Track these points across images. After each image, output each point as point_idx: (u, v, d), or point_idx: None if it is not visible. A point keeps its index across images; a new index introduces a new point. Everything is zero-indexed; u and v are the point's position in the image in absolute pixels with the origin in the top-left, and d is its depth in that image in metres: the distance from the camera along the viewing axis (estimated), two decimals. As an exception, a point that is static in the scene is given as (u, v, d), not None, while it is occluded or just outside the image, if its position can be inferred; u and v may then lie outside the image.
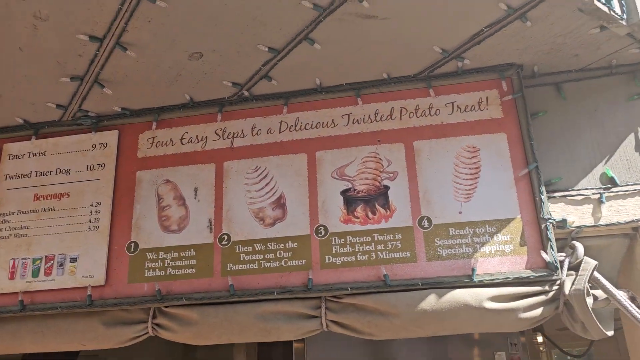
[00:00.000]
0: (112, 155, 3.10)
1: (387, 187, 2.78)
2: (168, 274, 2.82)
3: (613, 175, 2.69)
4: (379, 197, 2.77)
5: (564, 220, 2.59)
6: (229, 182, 2.93)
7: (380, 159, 2.83)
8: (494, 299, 2.46)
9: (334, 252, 2.71)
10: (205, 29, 2.48)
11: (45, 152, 3.18)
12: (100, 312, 2.83)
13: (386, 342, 3.90)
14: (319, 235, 2.75)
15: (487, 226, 2.63)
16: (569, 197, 2.69)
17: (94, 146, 3.14)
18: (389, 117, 2.91)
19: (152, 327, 2.78)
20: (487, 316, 2.46)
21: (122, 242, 2.93)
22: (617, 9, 2.43)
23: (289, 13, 2.39)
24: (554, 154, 2.79)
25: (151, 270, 2.84)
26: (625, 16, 2.46)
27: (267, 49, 2.61)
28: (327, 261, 2.70)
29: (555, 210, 2.64)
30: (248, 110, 3.06)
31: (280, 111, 3.02)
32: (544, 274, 2.48)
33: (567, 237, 2.63)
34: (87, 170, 3.09)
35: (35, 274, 2.92)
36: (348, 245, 2.71)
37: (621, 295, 2.41)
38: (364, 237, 2.71)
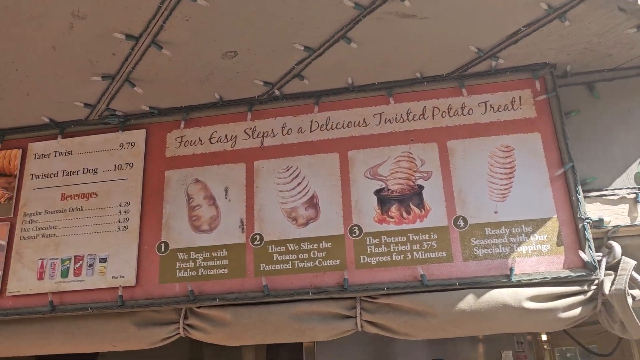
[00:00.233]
0: (140, 154, 3.08)
1: (421, 187, 2.77)
2: (200, 274, 2.80)
3: (648, 174, 2.70)
4: (413, 197, 2.75)
5: (601, 220, 2.59)
6: (260, 182, 2.92)
7: (413, 158, 2.82)
8: (533, 298, 2.45)
9: (368, 252, 2.70)
10: (243, 28, 2.46)
11: (71, 151, 3.15)
12: (131, 313, 2.81)
13: (394, 340, 3.89)
14: (353, 235, 2.74)
15: (523, 226, 2.62)
16: (604, 197, 2.69)
17: (121, 145, 3.11)
18: (422, 116, 2.89)
19: (184, 327, 2.76)
20: (526, 316, 2.45)
21: (152, 242, 2.91)
22: (657, 9, 2.42)
23: (329, 12, 2.38)
24: (588, 154, 2.79)
25: (182, 270, 2.82)
26: (663, 15, 2.46)
27: (302, 48, 2.60)
28: (362, 261, 2.69)
29: (591, 210, 2.64)
30: (278, 109, 3.04)
31: (311, 110, 3.00)
32: (583, 273, 2.48)
33: (603, 237, 2.62)
34: (115, 169, 3.06)
35: (64, 274, 2.90)
36: (383, 245, 2.70)
37: (660, 295, 2.41)
38: (399, 237, 2.70)
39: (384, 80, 2.94)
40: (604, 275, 2.47)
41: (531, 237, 2.60)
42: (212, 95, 3.02)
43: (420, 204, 2.74)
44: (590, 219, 2.57)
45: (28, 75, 2.70)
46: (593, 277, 2.47)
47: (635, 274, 2.45)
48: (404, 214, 2.73)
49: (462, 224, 2.67)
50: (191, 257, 2.84)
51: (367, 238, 2.72)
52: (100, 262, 2.89)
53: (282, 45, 2.59)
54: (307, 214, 2.82)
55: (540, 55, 2.78)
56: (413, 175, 2.79)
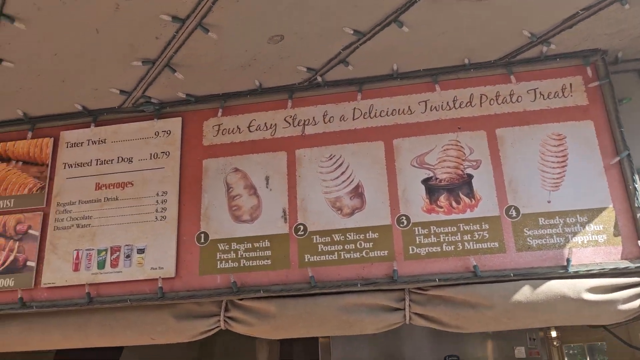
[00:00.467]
0: (177, 143, 2.99)
1: (470, 176, 2.69)
2: (242, 265, 2.72)
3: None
4: (462, 186, 2.68)
5: (659, 210, 2.52)
6: (302, 171, 2.84)
7: (461, 146, 2.75)
8: (593, 290, 2.38)
9: (417, 242, 2.62)
10: (292, 10, 2.37)
11: (105, 139, 3.07)
12: (171, 305, 2.73)
13: (408, 335, 3.85)
14: (401, 225, 2.66)
15: (578, 216, 2.55)
16: (661, 186, 2.61)
17: (156, 134, 3.03)
18: (469, 103, 2.82)
19: (225, 320, 2.68)
20: (585, 308, 2.38)
21: (191, 232, 2.83)
22: None
23: (385, -7, 2.30)
24: (640, 142, 2.72)
25: (223, 261, 2.74)
26: None
27: (352, 32, 2.51)
28: (410, 252, 2.61)
29: (648, 200, 2.57)
30: (319, 97, 2.96)
31: (353, 97, 2.92)
32: (643, 264, 2.41)
33: (659, 226, 2.55)
34: (150, 158, 2.98)
35: (101, 265, 2.82)
36: (432, 236, 2.62)
37: None
38: (449, 227, 2.62)
39: (429, 67, 2.86)
40: (664, 266, 2.41)
41: (586, 227, 2.52)
42: (251, 82, 2.93)
43: (470, 193, 2.66)
44: (649, 209, 2.50)
45: (67, 60, 2.61)
46: (653, 268, 2.40)
47: (695, 265, 2.38)
48: (454, 204, 2.66)
49: (514, 213, 2.60)
50: (232, 247, 2.76)
51: (416, 228, 2.65)
52: (138, 252, 2.81)
53: (331, 28, 2.50)
54: (352, 203, 2.74)
55: (592, 41, 2.70)
56: (462, 164, 2.72)
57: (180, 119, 3.04)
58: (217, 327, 2.70)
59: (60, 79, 2.77)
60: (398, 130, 2.83)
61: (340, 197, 2.76)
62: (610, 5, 2.41)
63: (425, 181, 2.71)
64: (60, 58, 2.59)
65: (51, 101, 3.00)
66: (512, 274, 2.48)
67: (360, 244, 2.66)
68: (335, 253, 2.67)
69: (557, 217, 2.56)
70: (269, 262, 2.71)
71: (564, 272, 2.45)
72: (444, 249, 2.59)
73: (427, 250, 2.60)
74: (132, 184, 2.94)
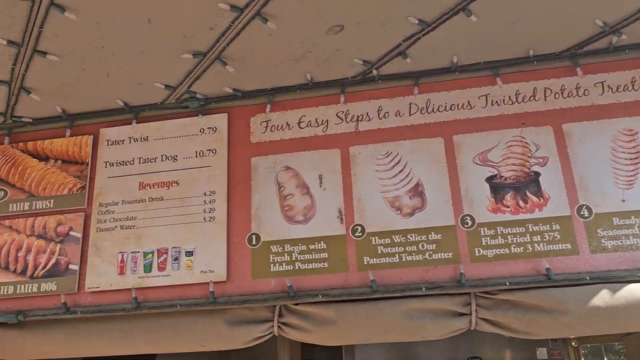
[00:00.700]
0: (223, 140, 2.86)
1: (537, 174, 2.56)
2: (297, 268, 2.59)
3: None
4: (529, 185, 2.55)
5: None
6: (357, 169, 2.70)
7: (527, 143, 2.61)
8: (676, 294, 2.25)
9: (484, 244, 2.49)
10: (357, -2, 2.24)
11: (147, 137, 2.94)
12: (222, 311, 2.60)
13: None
14: (466, 225, 2.53)
15: (655, 215, 2.42)
16: None
17: (202, 130, 2.90)
18: (532, 97, 2.68)
19: (278, 326, 2.55)
20: (669, 313, 2.25)
21: (242, 234, 2.70)
22: None
23: (458, -21, 2.17)
24: None
25: (277, 264, 2.61)
26: None
27: (417, 22, 2.38)
28: (477, 254, 2.48)
29: None
30: (373, 92, 2.83)
31: (410, 92, 2.79)
32: None
33: None
34: (196, 156, 2.85)
35: (147, 268, 2.69)
36: (499, 237, 2.49)
37: None
38: (517, 228, 2.49)
39: (490, 59, 2.73)
40: None
41: (665, 228, 2.39)
42: (302, 77, 2.80)
43: (538, 192, 2.53)
44: None
45: (115, 52, 2.48)
46: None
47: None
48: (521, 203, 2.52)
49: (586, 213, 2.47)
50: (286, 250, 2.63)
51: (481, 229, 2.51)
52: (186, 255, 2.68)
53: (395, 18, 2.37)
54: (412, 203, 2.61)
55: (665, 31, 2.57)
56: (528, 161, 2.58)
57: (226, 115, 2.91)
58: (271, 333, 2.58)
59: (105, 72, 2.64)
60: (458, 126, 2.70)
61: (399, 197, 2.63)
62: (693, -7, 2.28)
63: (490, 179, 2.58)
64: (108, 50, 2.46)
65: (92, 97, 2.87)
66: (588, 277, 2.35)
67: (423, 246, 2.53)
68: (397, 255, 2.54)
69: (632, 217, 2.43)
70: (326, 265, 2.58)
71: (644, 275, 2.31)
72: (513, 251, 2.46)
73: (494, 252, 2.47)
74: (178, 183, 2.82)
